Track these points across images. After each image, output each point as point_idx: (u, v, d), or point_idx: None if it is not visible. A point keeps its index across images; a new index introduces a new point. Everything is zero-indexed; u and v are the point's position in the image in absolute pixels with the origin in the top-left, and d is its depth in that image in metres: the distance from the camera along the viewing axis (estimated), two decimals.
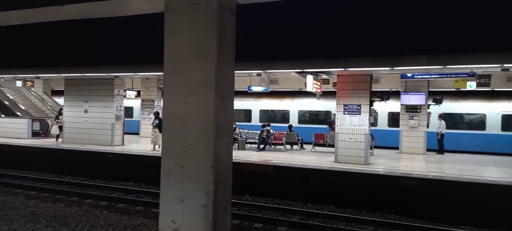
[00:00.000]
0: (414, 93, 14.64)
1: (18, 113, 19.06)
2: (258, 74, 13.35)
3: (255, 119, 20.58)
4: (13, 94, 20.45)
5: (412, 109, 14.87)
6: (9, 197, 9.05)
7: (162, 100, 12.09)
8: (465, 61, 9.62)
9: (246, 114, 20.88)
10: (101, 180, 11.83)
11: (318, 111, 19.52)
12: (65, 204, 8.81)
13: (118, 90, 15.36)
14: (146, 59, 11.01)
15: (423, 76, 13.11)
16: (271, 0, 6.42)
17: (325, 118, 18.97)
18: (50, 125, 18.21)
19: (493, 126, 16.40)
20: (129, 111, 21.98)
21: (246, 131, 16.25)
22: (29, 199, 9.05)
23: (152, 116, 15.03)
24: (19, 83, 18.32)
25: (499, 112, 16.36)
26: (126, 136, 16.22)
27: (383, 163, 11.61)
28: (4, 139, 16.29)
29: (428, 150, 15.01)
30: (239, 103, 20.16)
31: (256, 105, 20.78)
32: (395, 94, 15.39)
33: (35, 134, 17.59)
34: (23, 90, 21.04)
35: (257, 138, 15.03)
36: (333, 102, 12.28)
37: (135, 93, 19.20)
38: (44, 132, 18.13)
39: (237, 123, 17.58)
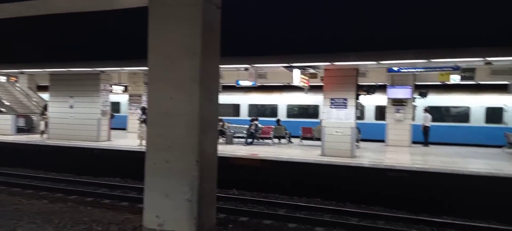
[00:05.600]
0: (400, 87, 14.83)
1: (2, 109, 18.69)
2: (246, 69, 13.34)
3: (244, 113, 20.59)
4: None
5: (398, 102, 15.06)
6: None
7: None
8: (449, 55, 9.78)
9: (235, 109, 20.87)
10: (87, 176, 11.72)
11: (307, 105, 19.63)
12: (49, 200, 8.72)
13: (104, 85, 15.18)
14: (132, 53, 10.91)
15: (409, 70, 13.24)
16: None
17: (314, 112, 19.10)
18: (36, 121, 17.94)
19: (477, 119, 16.74)
20: (115, 106, 21.75)
21: (235, 125, 16.26)
22: (13, 195, 8.93)
23: (139, 111, 14.91)
24: (2, 78, 17.93)
25: (482, 105, 16.69)
26: (113, 131, 16.07)
27: (368, 156, 11.76)
28: None
29: (413, 142, 15.25)
30: (228, 98, 20.11)
31: (244, 100, 20.78)
32: (382, 88, 15.57)
33: (20, 130, 17.31)
34: (8, 86, 20.61)
35: (245, 132, 15.05)
36: (321, 96, 12.33)
37: (122, 88, 19.01)
38: (29, 127, 17.84)
39: (225, 118, 17.59)
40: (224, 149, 12.36)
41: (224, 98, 19.67)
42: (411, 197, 8.87)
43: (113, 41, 11.05)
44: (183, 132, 5.40)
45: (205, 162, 5.44)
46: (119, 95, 20.41)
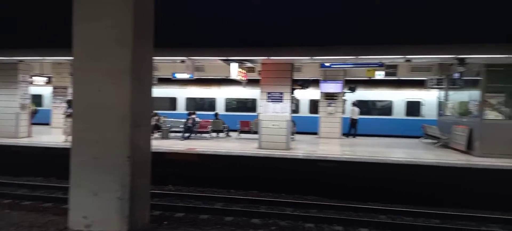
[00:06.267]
0: (332, 82, 15.62)
1: None
2: (182, 61, 13.01)
3: (181, 107, 20.15)
4: None
5: (330, 96, 15.87)
6: None
7: None
8: (375, 53, 10.54)
9: (171, 103, 20.34)
10: (4, 176, 10.58)
11: (246, 99, 19.80)
12: None
13: (23, 76, 13.79)
14: (56, 42, 10.05)
15: (340, 66, 14.02)
16: None
17: (252, 106, 19.34)
18: None
19: (399, 112, 18.31)
20: (38, 99, 19.92)
21: (171, 119, 15.84)
22: None
23: (65, 104, 13.81)
24: None
25: (404, 99, 18.29)
26: (35, 127, 14.71)
27: (303, 148, 12.25)
28: None
29: (344, 134, 16.22)
30: (164, 91, 19.53)
31: (181, 93, 20.33)
32: (315, 83, 16.27)
33: None
34: None
35: (182, 126, 14.74)
36: (259, 90, 12.51)
37: (44, 79, 17.45)
38: None
39: (161, 111, 17.06)
40: (160, 144, 12.00)
41: (160, 91, 19.05)
42: (341, 185, 9.43)
43: (33, 27, 10.09)
44: (113, 126, 5.14)
45: (137, 158, 5.23)
46: (41, 87, 18.73)
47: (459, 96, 13.55)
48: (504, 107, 11.14)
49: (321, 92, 15.96)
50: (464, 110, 12.90)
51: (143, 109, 5.61)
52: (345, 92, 16.40)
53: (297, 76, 14.26)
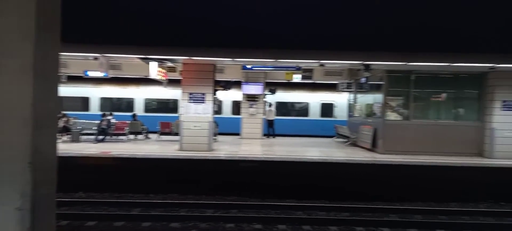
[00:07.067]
0: (253, 83, 16.01)
1: None
2: (96, 58, 12.12)
3: (95, 107, 18.76)
4: None
5: (251, 98, 16.24)
6: None
7: None
8: (292, 56, 11.07)
9: (84, 102, 18.81)
10: None
11: (167, 99, 19.22)
12: None
13: None
14: None
15: (260, 68, 14.42)
16: None
17: (174, 106, 18.86)
18: None
19: (315, 113, 19.51)
20: None
21: (83, 120, 14.66)
22: None
23: None
24: None
25: (318, 101, 19.54)
26: None
27: (225, 149, 12.33)
28: None
29: (264, 134, 16.73)
30: (75, 90, 18.01)
31: (95, 93, 18.94)
32: (238, 84, 16.51)
33: None
34: None
35: (94, 128, 13.73)
36: (180, 90, 12.24)
37: None
38: None
39: (72, 112, 15.72)
40: (69, 148, 11.04)
41: (71, 90, 17.54)
42: (261, 184, 9.70)
43: None
44: (11, 128, 4.53)
45: (40, 164, 4.68)
46: None
47: (365, 99, 14.93)
48: (402, 109, 12.59)
49: (243, 94, 16.25)
50: (369, 112, 14.26)
51: (48, 109, 5.06)
52: (266, 94, 16.92)
53: (219, 77, 14.31)
